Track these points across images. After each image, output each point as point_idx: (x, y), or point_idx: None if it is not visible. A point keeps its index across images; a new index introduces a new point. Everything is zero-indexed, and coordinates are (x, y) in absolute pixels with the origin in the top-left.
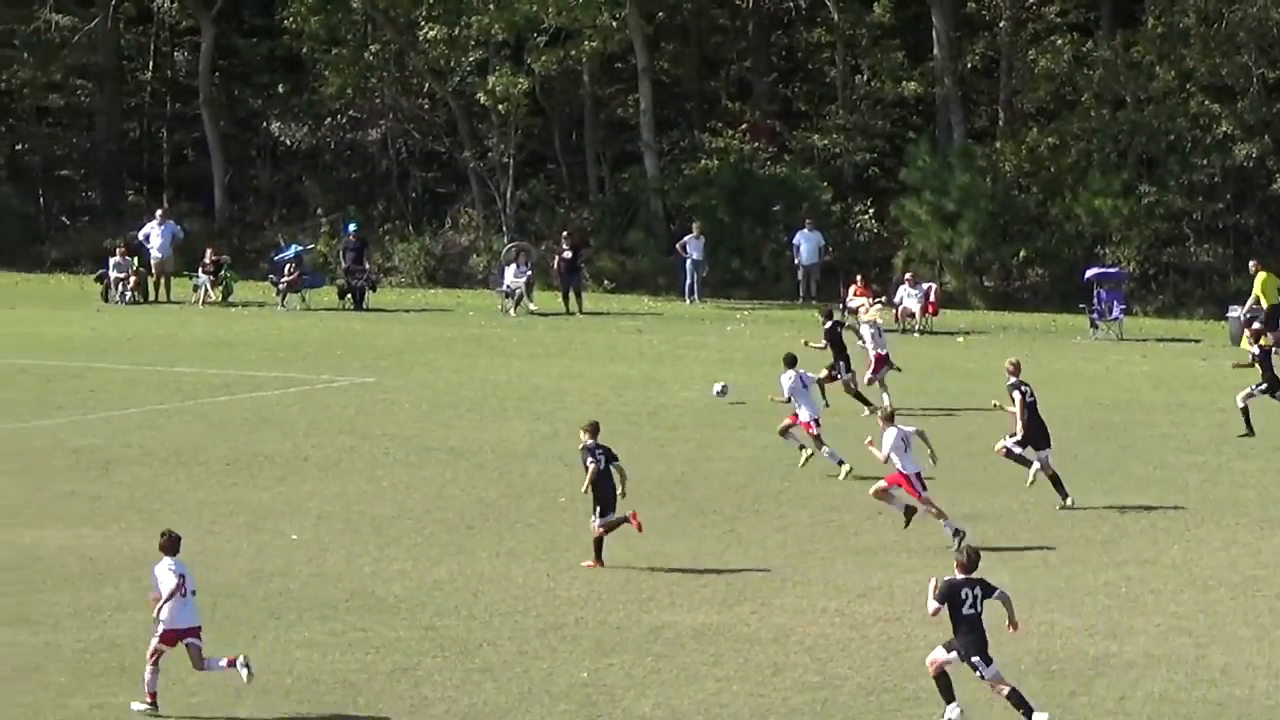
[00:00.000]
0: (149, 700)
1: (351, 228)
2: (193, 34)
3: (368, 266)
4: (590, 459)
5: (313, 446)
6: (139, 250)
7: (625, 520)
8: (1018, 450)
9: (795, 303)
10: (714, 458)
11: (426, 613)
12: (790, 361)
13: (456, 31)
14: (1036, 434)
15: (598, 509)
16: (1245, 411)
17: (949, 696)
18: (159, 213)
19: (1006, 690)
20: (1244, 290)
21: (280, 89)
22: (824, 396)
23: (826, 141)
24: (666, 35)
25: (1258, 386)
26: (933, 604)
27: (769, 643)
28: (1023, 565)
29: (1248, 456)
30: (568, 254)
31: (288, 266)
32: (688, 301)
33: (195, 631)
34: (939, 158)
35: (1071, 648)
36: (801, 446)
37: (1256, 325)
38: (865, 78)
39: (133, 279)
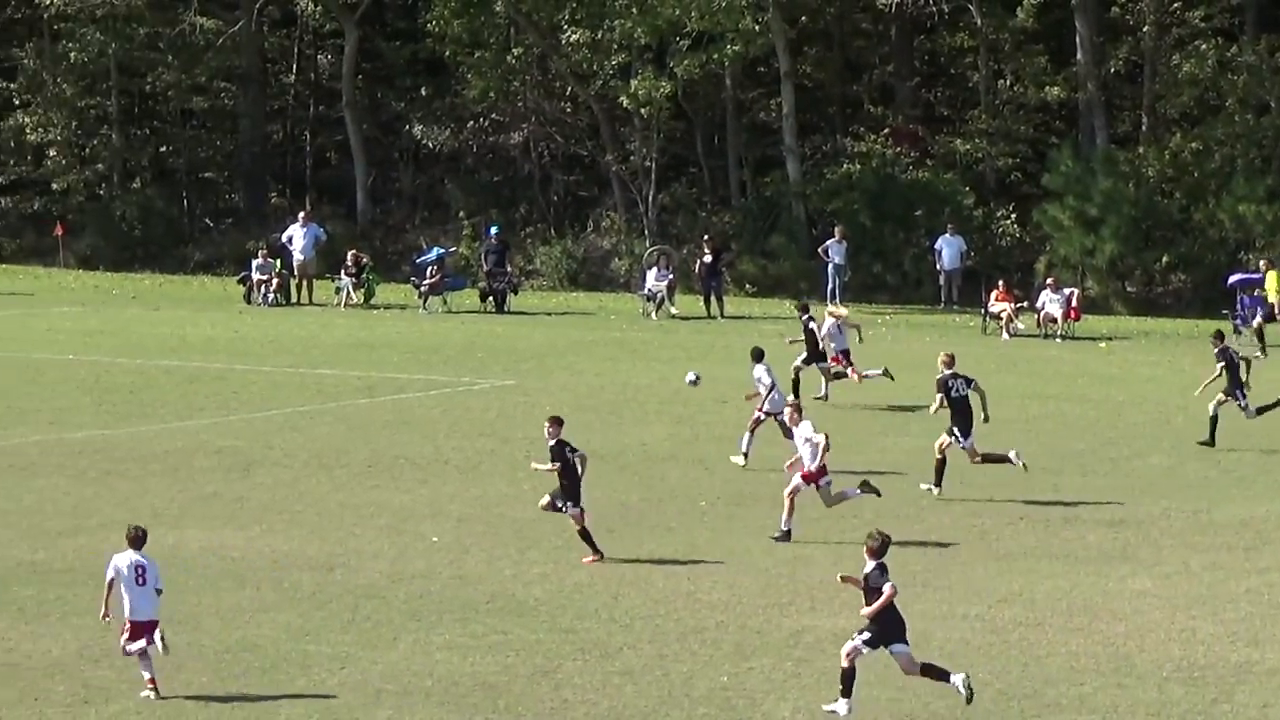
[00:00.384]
0: (151, 687)
1: (493, 231)
2: (336, 37)
3: (509, 269)
4: (560, 456)
5: (454, 449)
6: (281, 252)
7: (593, 546)
8: (995, 454)
9: (937, 308)
10: (854, 461)
11: (567, 615)
12: (758, 355)
13: (599, 35)
14: (963, 424)
15: (566, 501)
16: (1265, 406)
17: (847, 691)
18: (301, 215)
19: (919, 669)
20: None
21: (423, 92)
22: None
23: (969, 146)
24: (809, 39)
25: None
26: (888, 587)
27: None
28: (1165, 572)
29: None
30: (709, 258)
31: (430, 269)
32: (830, 306)
33: (152, 626)
34: (1082, 163)
35: (1213, 655)
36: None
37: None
38: (1008, 82)
39: (275, 281)
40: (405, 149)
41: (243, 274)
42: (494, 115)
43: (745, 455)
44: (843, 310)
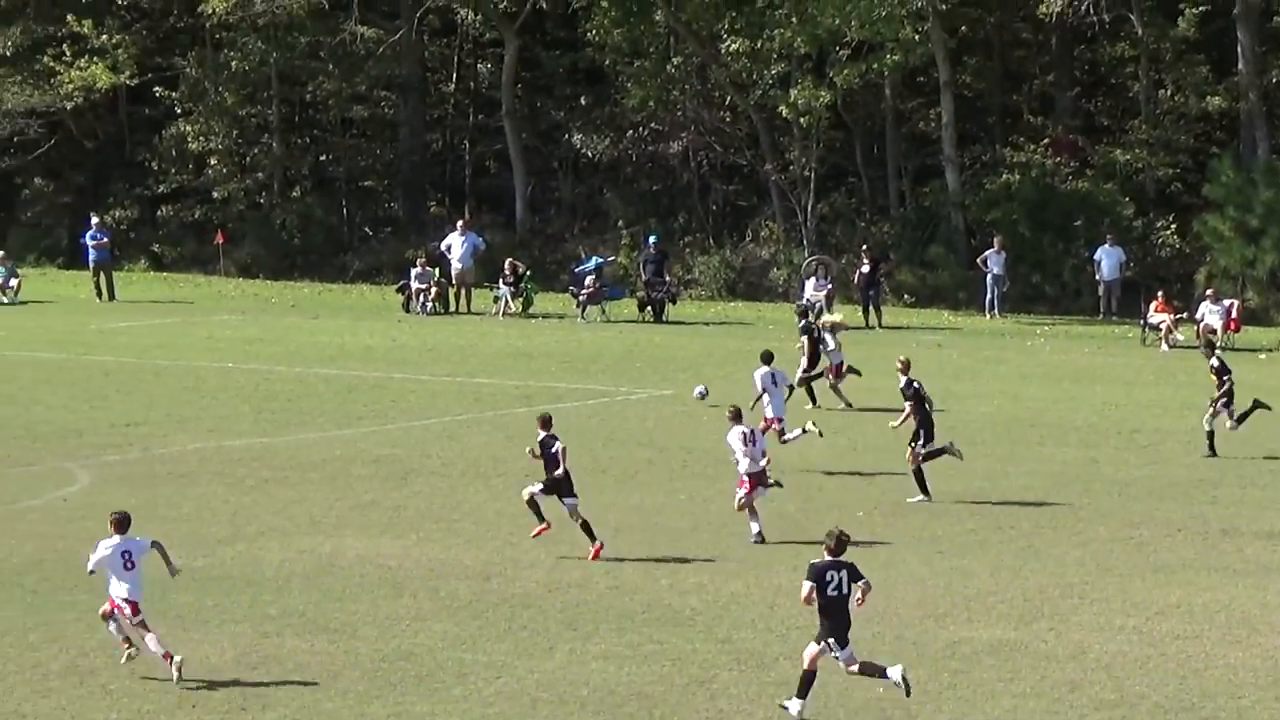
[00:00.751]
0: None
1: (652, 240)
2: (496, 46)
3: (668, 279)
4: (543, 450)
5: (610, 458)
6: (440, 261)
7: (592, 536)
8: (932, 448)
9: (1096, 319)
10: (1012, 473)
11: (723, 625)
12: (767, 358)
13: (759, 44)
14: (928, 428)
15: (562, 497)
16: (1247, 411)
17: (804, 692)
18: (459, 223)
19: (857, 667)
20: None
21: (582, 101)
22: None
23: (1129, 156)
24: (969, 49)
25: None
26: (806, 585)
27: (1066, 660)
28: None
29: None
30: (867, 268)
31: (588, 279)
32: (988, 316)
33: (134, 606)
34: (1243, 173)
35: None
36: (819, 432)
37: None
38: (1169, 92)
39: (434, 290)
40: (564, 158)
41: (401, 283)
42: (653, 124)
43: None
44: (836, 316)
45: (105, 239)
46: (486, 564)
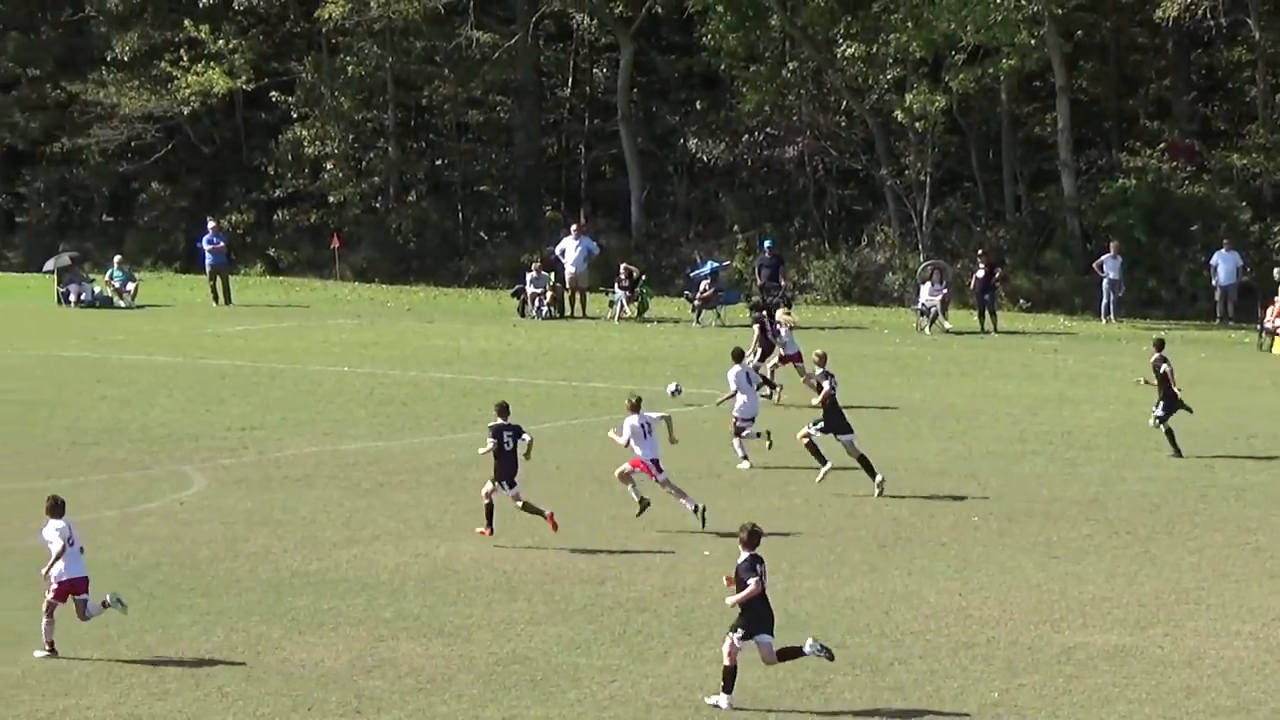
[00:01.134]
0: (48, 648)
1: (767, 244)
2: (611, 51)
3: (783, 283)
4: (496, 436)
5: (726, 463)
6: (555, 265)
7: (542, 515)
8: (818, 437)
9: (1212, 324)
10: (1128, 478)
11: (838, 630)
12: (738, 356)
13: (875, 49)
14: (838, 421)
15: (500, 481)
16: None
17: (729, 687)
18: (573, 227)
19: (776, 657)
20: None
21: (698, 105)
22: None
23: (1246, 161)
24: (1085, 53)
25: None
26: (750, 582)
27: (1182, 665)
28: None
29: None
30: (983, 272)
31: (703, 283)
32: (1104, 321)
33: (83, 584)
34: None
35: None
36: (769, 443)
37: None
38: None
39: (549, 294)
40: (680, 162)
41: (517, 287)
42: (769, 129)
43: (744, 458)
44: (791, 316)
45: (222, 243)
46: (601, 568)
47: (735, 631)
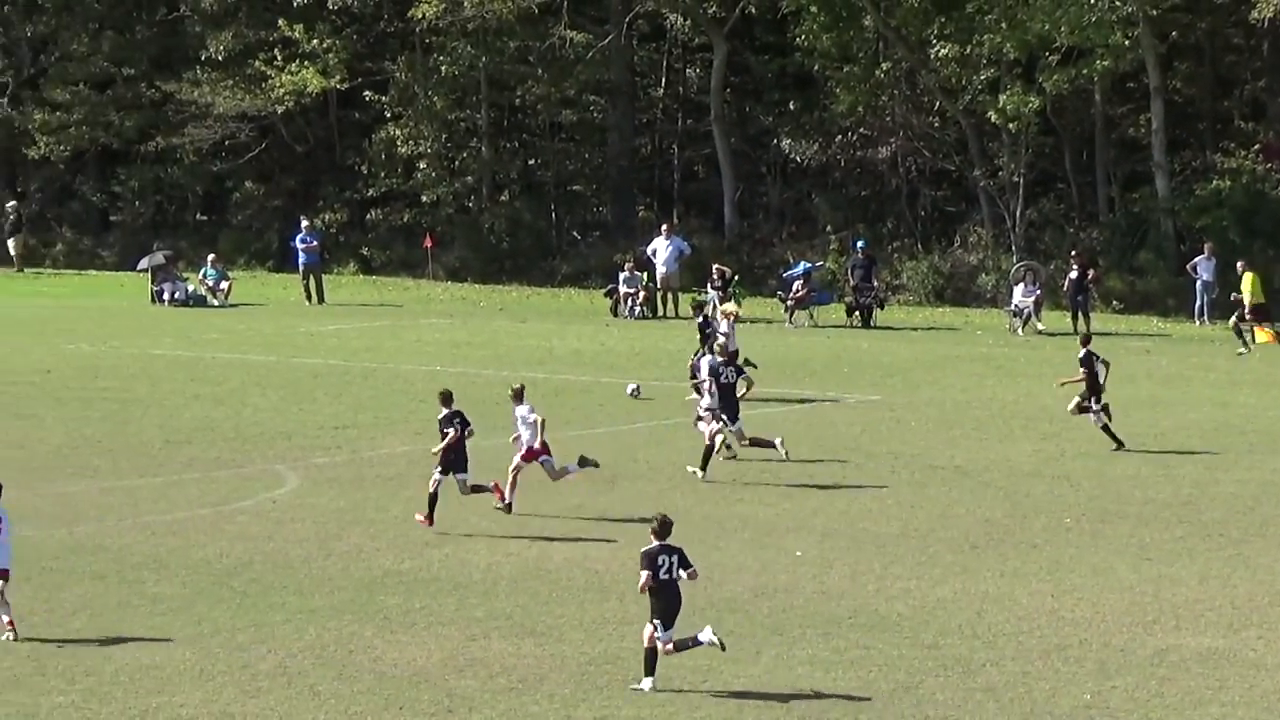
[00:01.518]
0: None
1: (860, 245)
2: (705, 51)
3: (876, 284)
4: (449, 427)
5: (817, 464)
6: (648, 265)
7: (488, 489)
8: (761, 439)
9: None
10: (1221, 480)
11: (930, 631)
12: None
13: (968, 50)
14: (730, 409)
15: (449, 471)
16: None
17: (650, 670)
18: (664, 227)
19: (672, 646)
20: None
21: (791, 106)
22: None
23: None
24: (1179, 54)
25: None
26: (643, 575)
27: (1275, 669)
28: None
29: None
30: (1076, 274)
31: (796, 284)
32: (1197, 323)
33: (4, 574)
34: None
35: None
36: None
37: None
38: None
39: (642, 294)
40: (773, 163)
41: (610, 286)
42: (862, 129)
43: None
44: (734, 308)
45: (315, 242)
46: (699, 568)
47: (653, 622)
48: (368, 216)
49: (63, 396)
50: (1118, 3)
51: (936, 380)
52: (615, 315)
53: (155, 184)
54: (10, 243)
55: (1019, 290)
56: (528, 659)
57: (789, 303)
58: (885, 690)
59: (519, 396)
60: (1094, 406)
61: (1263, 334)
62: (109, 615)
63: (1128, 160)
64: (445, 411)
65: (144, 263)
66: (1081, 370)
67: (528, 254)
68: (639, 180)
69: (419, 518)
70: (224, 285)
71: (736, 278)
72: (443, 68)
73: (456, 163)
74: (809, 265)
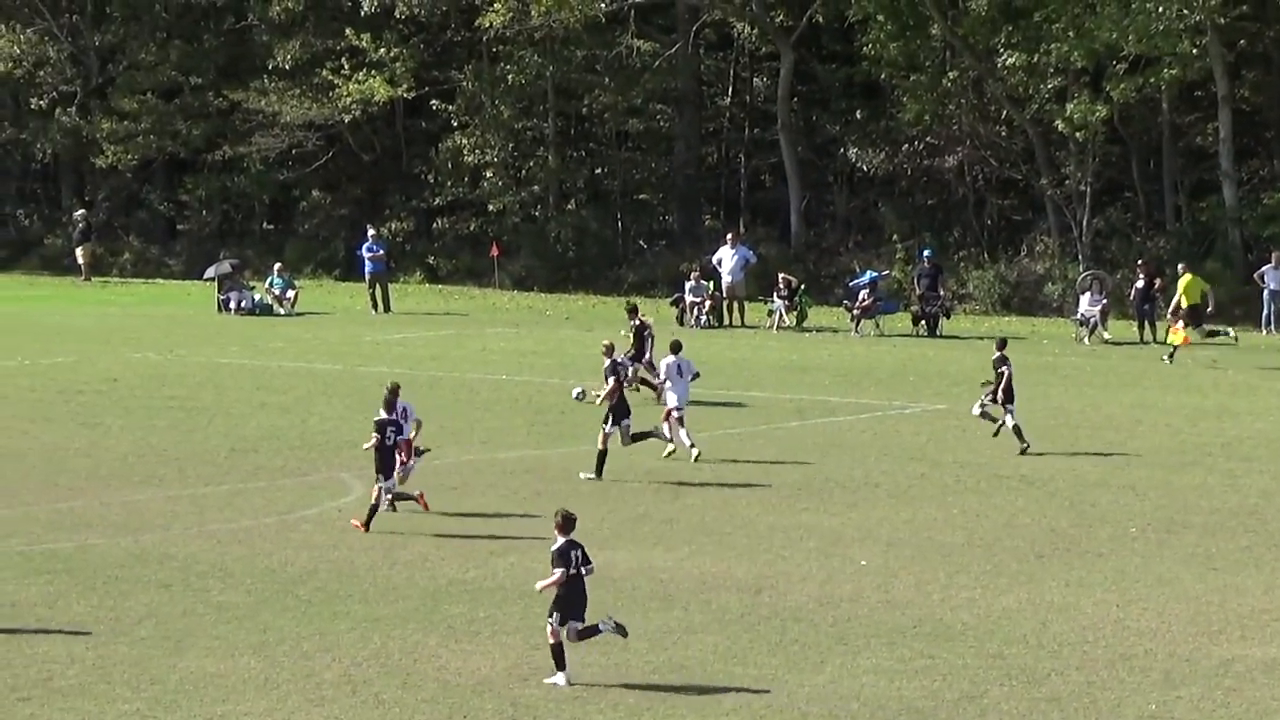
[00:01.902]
0: None
1: (927, 254)
2: (772, 60)
3: (942, 293)
4: (377, 432)
5: (883, 473)
6: (714, 274)
7: (413, 498)
8: (643, 432)
9: None
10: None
11: (994, 641)
12: (675, 348)
13: (1035, 59)
14: (619, 409)
15: (379, 474)
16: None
17: (560, 665)
18: (729, 236)
19: (576, 638)
20: None
21: (858, 115)
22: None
23: None
24: (1247, 63)
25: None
26: (556, 572)
27: None
28: None
29: None
30: (1142, 283)
31: (862, 292)
32: (1264, 332)
33: None
34: None
35: None
36: (669, 439)
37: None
38: None
39: (708, 303)
40: (839, 172)
41: (676, 295)
42: (929, 138)
43: (691, 446)
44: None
45: (381, 251)
46: (758, 577)
47: (552, 616)
48: (434, 225)
49: (129, 405)
50: (1185, 11)
51: None
52: (681, 324)
53: (222, 193)
54: (78, 251)
55: (1085, 299)
56: (591, 668)
57: (855, 312)
58: (950, 700)
59: (394, 395)
60: (992, 402)
61: (1176, 335)
62: (175, 623)
63: (1195, 169)
64: (382, 416)
65: (210, 271)
66: (1002, 373)
67: (594, 263)
68: (705, 189)
69: (354, 522)
70: (290, 294)
71: (803, 287)
72: (509, 77)
73: (523, 171)
74: (875, 274)
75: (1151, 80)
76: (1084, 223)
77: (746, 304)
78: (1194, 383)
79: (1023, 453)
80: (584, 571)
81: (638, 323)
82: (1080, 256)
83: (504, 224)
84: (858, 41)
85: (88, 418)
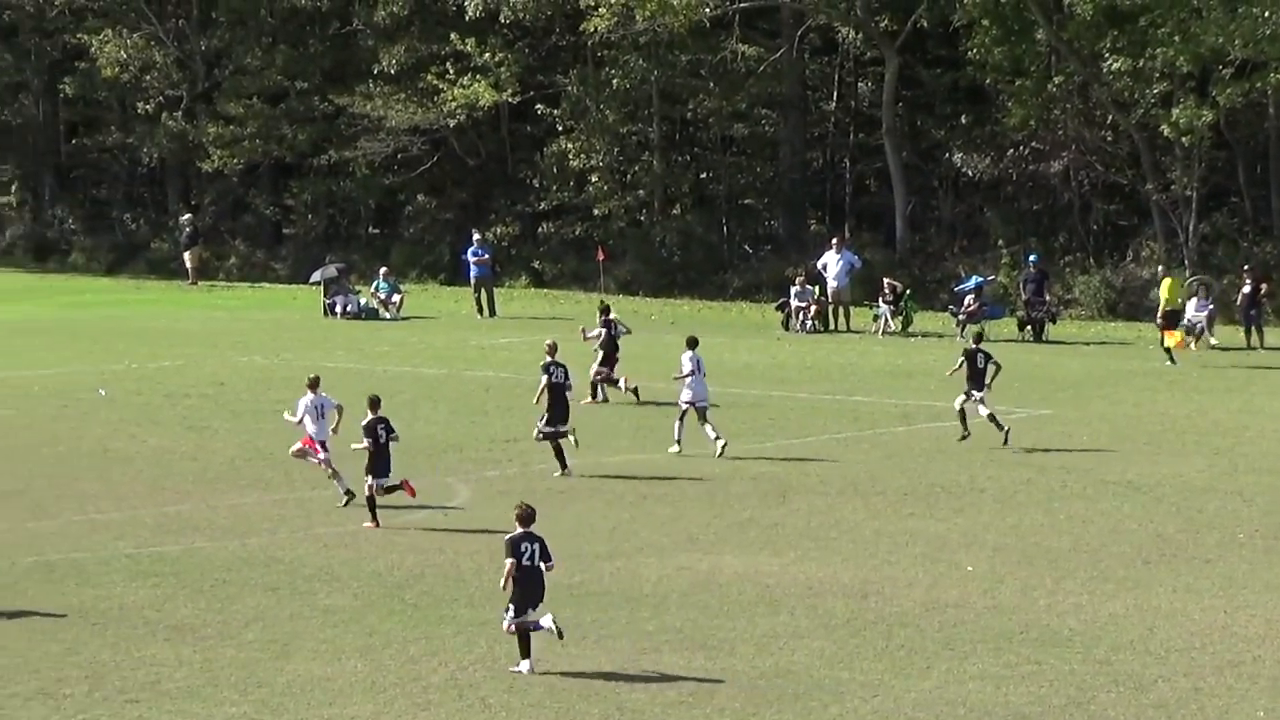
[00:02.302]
0: None
1: (1032, 259)
2: (876, 65)
3: (1048, 298)
4: (369, 435)
5: (989, 478)
6: (819, 279)
7: (399, 487)
8: (548, 430)
9: None
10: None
11: (1101, 647)
12: (692, 343)
13: (1140, 63)
14: (558, 413)
15: (370, 474)
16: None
17: (525, 652)
18: (834, 241)
19: (515, 627)
20: None
21: (963, 119)
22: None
23: None
24: None
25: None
26: (508, 562)
27: None
28: None
29: None
30: (1249, 288)
31: (968, 297)
32: None
33: None
34: None
35: None
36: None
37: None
38: None
39: (813, 308)
40: (944, 176)
41: (781, 300)
42: (1034, 143)
43: (717, 438)
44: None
45: (487, 255)
46: (864, 582)
47: (508, 610)
48: (539, 230)
49: (236, 409)
50: None
51: (1108, 395)
52: (786, 329)
53: (328, 197)
54: (185, 255)
55: (1192, 305)
56: (698, 672)
57: (960, 317)
58: (1057, 705)
59: (313, 385)
60: (974, 395)
61: (1171, 337)
62: (281, 627)
63: None
64: (370, 417)
65: (316, 275)
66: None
67: (699, 268)
68: (810, 194)
69: (366, 524)
70: (396, 298)
71: (908, 292)
72: (614, 81)
73: (628, 176)
74: (981, 279)
75: (1258, 84)
76: (1190, 228)
77: (852, 309)
78: None
79: (962, 439)
80: (544, 566)
81: (608, 319)
82: (1186, 262)
83: (609, 228)
84: (962, 46)
85: (194, 421)
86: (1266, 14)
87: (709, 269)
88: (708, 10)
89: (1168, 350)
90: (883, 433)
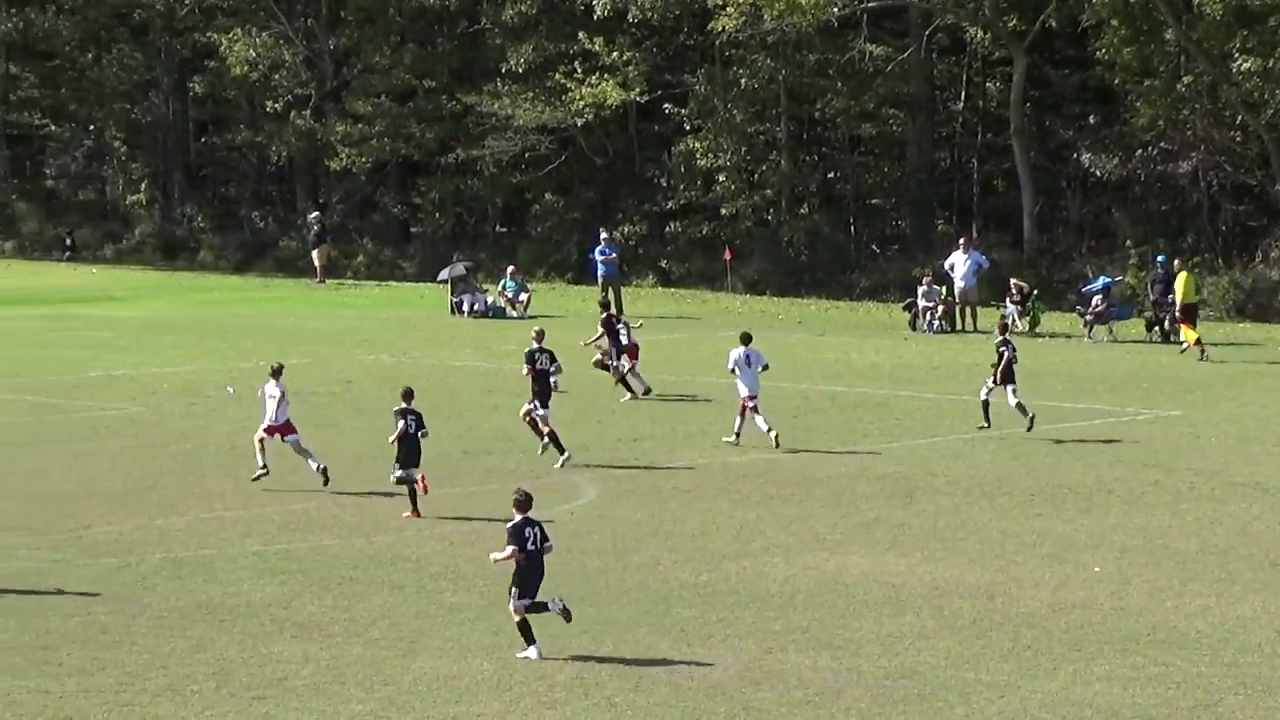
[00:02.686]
0: None
1: (1161, 260)
2: (1004, 64)
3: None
4: (400, 420)
5: (1116, 479)
6: (946, 279)
7: (414, 481)
8: (539, 413)
9: None
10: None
11: (1229, 649)
12: (745, 339)
13: (1271, 63)
14: (543, 395)
15: (397, 464)
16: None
17: (529, 639)
18: (962, 241)
19: (521, 616)
20: None
21: (1091, 120)
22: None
23: None
24: None
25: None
26: (509, 548)
27: None
28: None
29: None
30: None
31: (1095, 298)
32: None
33: None
34: None
35: None
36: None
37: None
38: None
39: (940, 308)
40: (1073, 177)
41: (908, 300)
42: (1162, 144)
43: (770, 430)
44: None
45: (614, 254)
46: (990, 583)
47: (512, 591)
48: (667, 229)
49: (362, 407)
50: None
51: (1237, 396)
52: (914, 329)
53: (455, 195)
54: (313, 254)
55: None
56: (824, 672)
57: (1088, 317)
58: (1184, 708)
59: (275, 374)
60: (995, 384)
61: (1189, 334)
62: (408, 624)
63: None
64: (402, 406)
65: (444, 274)
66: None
67: (826, 267)
68: (938, 194)
69: (405, 514)
70: (523, 297)
71: (1035, 292)
72: (742, 80)
73: (756, 175)
74: (1108, 280)
75: None
76: None
77: (979, 309)
78: None
79: (981, 428)
80: (543, 549)
81: (606, 315)
82: None
83: (736, 228)
84: (1091, 46)
85: (321, 419)
86: None
87: (836, 269)
88: (835, 10)
89: (1186, 346)
90: (1009, 433)
